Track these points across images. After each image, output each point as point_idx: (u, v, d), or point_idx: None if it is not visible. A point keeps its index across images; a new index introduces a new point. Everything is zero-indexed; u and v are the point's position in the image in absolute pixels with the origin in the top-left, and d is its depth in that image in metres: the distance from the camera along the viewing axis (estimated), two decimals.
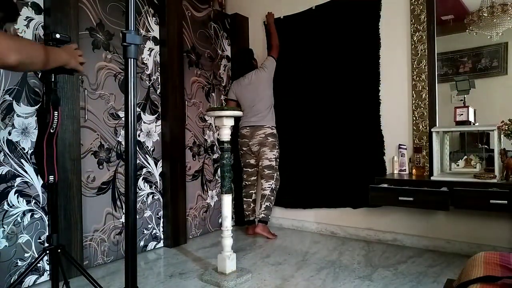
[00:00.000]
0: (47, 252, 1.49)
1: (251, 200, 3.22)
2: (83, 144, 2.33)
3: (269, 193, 3.08)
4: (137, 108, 2.67)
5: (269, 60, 3.20)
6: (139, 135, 2.70)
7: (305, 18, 3.21)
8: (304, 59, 3.21)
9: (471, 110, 2.47)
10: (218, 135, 3.31)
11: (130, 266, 0.98)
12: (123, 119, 2.52)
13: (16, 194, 2.03)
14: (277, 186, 3.16)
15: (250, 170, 3.23)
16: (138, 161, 2.68)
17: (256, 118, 3.10)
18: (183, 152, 2.94)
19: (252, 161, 3.20)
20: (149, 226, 2.76)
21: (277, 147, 3.13)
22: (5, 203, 1.98)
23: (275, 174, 3.12)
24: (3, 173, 1.98)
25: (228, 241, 2.17)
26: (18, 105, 2.04)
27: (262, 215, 3.05)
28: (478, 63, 2.57)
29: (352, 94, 2.94)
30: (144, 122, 2.74)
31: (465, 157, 2.47)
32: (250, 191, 3.23)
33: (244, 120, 3.15)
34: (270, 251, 2.69)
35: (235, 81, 3.31)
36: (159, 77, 2.84)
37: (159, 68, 2.84)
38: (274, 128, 3.15)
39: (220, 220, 3.25)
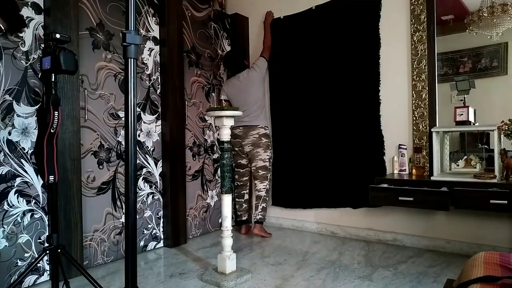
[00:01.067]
0: (47, 252, 1.50)
1: (243, 200, 3.23)
2: (83, 144, 2.33)
3: (265, 194, 3.14)
4: (137, 108, 2.67)
5: (261, 61, 3.21)
6: (139, 135, 2.70)
7: (305, 18, 3.20)
8: (304, 59, 3.20)
9: (471, 110, 2.46)
10: (218, 135, 3.31)
11: (130, 266, 0.98)
12: (123, 119, 2.52)
13: (16, 194, 2.03)
14: (270, 187, 3.25)
15: (241, 170, 3.23)
16: (138, 161, 2.68)
17: (249, 118, 3.08)
18: (183, 152, 2.94)
19: (244, 162, 3.21)
20: (149, 226, 2.76)
21: (270, 147, 3.17)
22: (5, 203, 1.98)
23: (269, 175, 3.18)
24: (3, 173, 1.98)
25: (228, 241, 2.17)
26: (18, 105, 2.04)
27: (260, 216, 3.10)
28: (478, 63, 2.57)
29: (352, 94, 2.93)
30: (144, 122, 2.74)
31: (465, 157, 2.47)
32: (242, 192, 3.24)
33: (236, 119, 3.09)
34: (270, 251, 2.69)
35: (226, 80, 3.32)
36: (159, 77, 2.84)
37: (159, 68, 2.84)
38: (267, 128, 3.18)
39: (220, 220, 3.25)
